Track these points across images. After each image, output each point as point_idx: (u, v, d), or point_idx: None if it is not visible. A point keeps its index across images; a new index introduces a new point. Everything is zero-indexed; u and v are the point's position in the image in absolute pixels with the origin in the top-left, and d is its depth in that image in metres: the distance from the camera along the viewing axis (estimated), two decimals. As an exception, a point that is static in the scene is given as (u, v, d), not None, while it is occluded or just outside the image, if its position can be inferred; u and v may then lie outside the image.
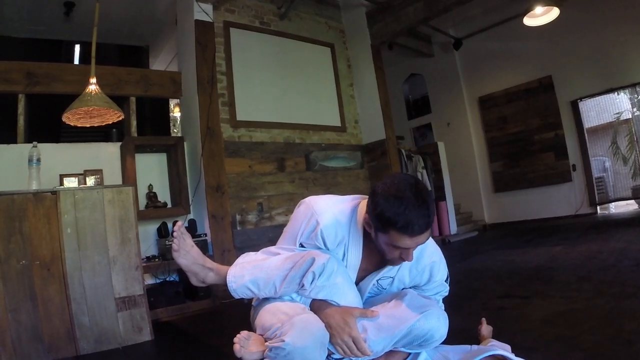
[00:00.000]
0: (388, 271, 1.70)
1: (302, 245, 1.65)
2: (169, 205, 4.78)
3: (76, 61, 6.96)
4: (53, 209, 3.17)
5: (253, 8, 5.85)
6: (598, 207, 7.36)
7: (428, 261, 1.71)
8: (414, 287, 1.79)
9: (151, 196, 4.70)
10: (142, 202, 4.61)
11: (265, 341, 1.49)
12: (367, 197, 1.58)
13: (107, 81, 4.39)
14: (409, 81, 9.66)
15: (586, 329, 2.16)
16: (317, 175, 5.95)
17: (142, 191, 4.64)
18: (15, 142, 4.35)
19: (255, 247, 4.78)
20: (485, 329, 2.09)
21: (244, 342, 1.52)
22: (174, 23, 5.75)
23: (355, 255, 1.65)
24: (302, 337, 1.41)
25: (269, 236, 5.27)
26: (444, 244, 6.77)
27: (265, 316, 1.56)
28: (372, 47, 6.60)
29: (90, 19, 3.88)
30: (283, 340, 1.39)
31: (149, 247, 4.61)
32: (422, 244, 1.51)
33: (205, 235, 4.61)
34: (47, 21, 6.20)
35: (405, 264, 1.64)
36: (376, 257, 1.66)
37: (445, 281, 1.79)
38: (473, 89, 8.52)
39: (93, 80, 3.36)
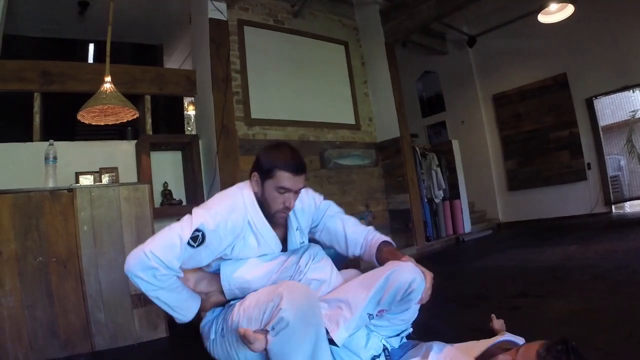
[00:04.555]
0: (293, 223, 1.97)
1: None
2: (184, 203, 4.79)
3: (90, 60, 7.02)
4: (70, 207, 3.19)
5: (267, 6, 5.85)
6: (613, 206, 7.25)
7: (305, 198, 2.02)
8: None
9: (166, 194, 4.71)
10: (157, 199, 4.63)
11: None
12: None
13: (121, 79, 4.40)
14: (422, 79, 9.58)
15: (601, 329, 2.16)
16: (331, 173, 5.94)
17: (158, 189, 4.66)
18: (31, 140, 4.38)
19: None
20: (497, 322, 2.12)
21: (253, 338, 1.52)
22: (188, 22, 5.76)
23: (267, 232, 1.86)
24: (294, 299, 1.51)
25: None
26: (457, 243, 6.73)
27: (250, 312, 1.63)
28: (386, 44, 6.56)
29: (104, 18, 3.89)
30: (280, 309, 1.48)
31: (165, 244, 4.61)
32: (298, 188, 1.82)
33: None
34: (61, 20, 6.25)
35: (298, 212, 1.99)
36: (280, 228, 1.93)
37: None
38: (487, 87, 8.44)
39: (108, 78, 3.37)
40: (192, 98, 6.16)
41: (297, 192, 1.84)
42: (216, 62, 4.97)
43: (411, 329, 1.97)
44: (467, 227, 7.23)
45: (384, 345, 1.83)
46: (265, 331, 1.54)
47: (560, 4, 5.77)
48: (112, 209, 3.34)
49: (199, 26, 5.34)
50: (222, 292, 1.80)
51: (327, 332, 1.63)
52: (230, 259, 1.85)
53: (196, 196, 4.69)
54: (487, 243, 6.52)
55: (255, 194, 1.86)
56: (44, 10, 5.93)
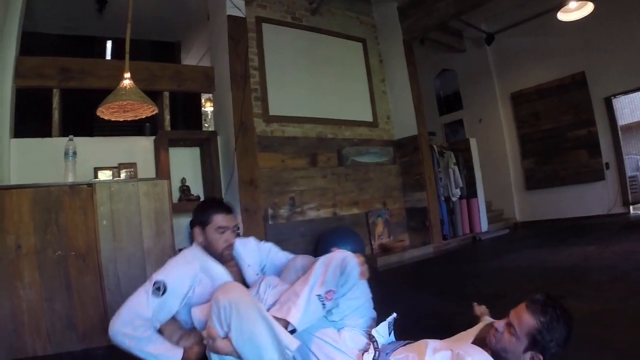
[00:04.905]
0: (244, 262, 2.26)
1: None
2: (202, 199, 4.80)
3: (108, 57, 7.07)
4: (89, 201, 3.22)
5: (284, 3, 5.84)
6: (631, 207, 7.14)
7: (246, 240, 2.39)
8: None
9: (184, 189, 4.74)
10: (175, 195, 4.64)
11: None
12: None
13: (140, 76, 4.42)
14: (440, 77, 9.52)
15: (619, 330, 2.15)
16: (349, 171, 5.92)
17: (175, 184, 4.68)
18: (50, 136, 4.43)
19: (287, 242, 4.82)
20: (479, 309, 2.20)
21: (215, 334, 1.73)
22: (206, 19, 5.79)
23: (221, 271, 2.12)
24: (224, 289, 1.77)
25: (300, 231, 5.28)
26: (474, 242, 6.68)
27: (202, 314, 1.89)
28: (404, 42, 6.52)
29: (122, 15, 3.90)
30: (219, 302, 1.70)
31: (182, 240, 4.64)
32: (233, 225, 2.18)
33: (238, 228, 4.60)
34: (79, 18, 6.31)
35: (244, 252, 2.29)
36: (235, 268, 2.23)
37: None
38: (505, 85, 8.35)
39: (127, 75, 3.37)
40: (210, 95, 6.18)
41: (234, 230, 2.20)
42: (234, 59, 4.98)
43: (395, 315, 2.01)
44: (484, 226, 7.17)
45: (372, 337, 1.88)
46: (224, 339, 1.72)
47: (580, 2, 5.68)
48: (132, 204, 3.36)
49: (217, 23, 5.36)
50: (202, 341, 1.88)
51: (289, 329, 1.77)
52: (199, 305, 2.02)
53: (214, 192, 4.71)
54: (503, 242, 6.45)
55: (201, 244, 2.17)
56: (63, 8, 6.00)
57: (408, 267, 5.31)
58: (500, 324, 1.63)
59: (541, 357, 1.53)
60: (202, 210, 2.21)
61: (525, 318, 1.56)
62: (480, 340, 1.71)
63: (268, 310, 1.83)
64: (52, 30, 6.39)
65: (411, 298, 3.52)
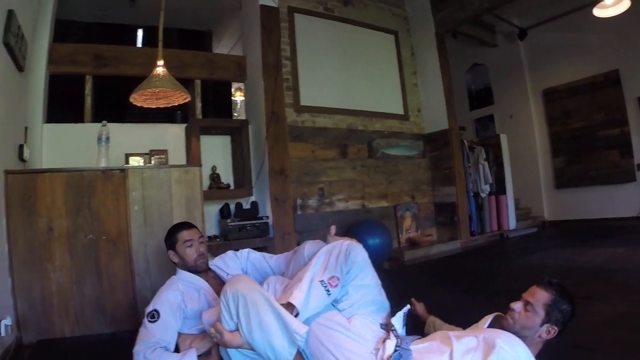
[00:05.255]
0: (224, 272, 2.40)
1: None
2: (232, 187, 4.82)
3: (139, 45, 7.10)
4: (121, 186, 3.25)
5: (317, -7, 5.81)
6: (662, 210, 6.97)
7: (224, 255, 2.52)
8: None
9: (214, 177, 4.75)
10: (205, 183, 4.65)
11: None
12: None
13: (172, 64, 4.41)
14: (471, 71, 9.39)
15: None
16: (378, 163, 5.89)
17: (206, 172, 4.68)
18: (82, 121, 4.49)
19: (315, 232, 4.81)
20: (420, 307, 2.36)
21: (221, 328, 1.79)
22: (238, 8, 5.79)
23: (198, 280, 2.32)
24: (231, 281, 1.85)
25: (328, 222, 5.24)
26: (502, 239, 6.59)
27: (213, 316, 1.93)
28: (436, 35, 6.45)
29: (153, 4, 3.92)
30: (227, 293, 1.77)
31: (211, 227, 4.68)
32: (198, 236, 2.38)
33: (267, 217, 4.62)
34: (111, 6, 6.34)
35: (223, 265, 2.43)
36: (215, 280, 2.38)
37: None
38: (537, 81, 8.19)
39: (160, 62, 3.36)
40: (239, 84, 6.19)
41: (199, 240, 2.39)
42: (267, 49, 4.97)
43: (408, 306, 2.02)
44: (512, 223, 7.06)
45: (391, 325, 1.86)
46: (235, 331, 1.77)
47: (617, -2, 5.54)
48: (163, 190, 3.39)
49: (249, 12, 5.36)
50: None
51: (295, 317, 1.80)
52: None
53: (244, 180, 4.71)
54: (531, 241, 6.38)
55: (179, 264, 2.37)
56: (96, -3, 6.05)
57: (435, 262, 5.27)
58: (516, 305, 1.75)
59: (556, 329, 1.68)
60: (169, 235, 2.44)
61: (539, 293, 1.73)
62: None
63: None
64: (84, 19, 6.44)
65: (438, 293, 3.48)
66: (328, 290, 1.84)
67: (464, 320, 2.51)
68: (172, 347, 2.07)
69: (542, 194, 8.12)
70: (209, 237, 4.36)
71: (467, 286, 3.81)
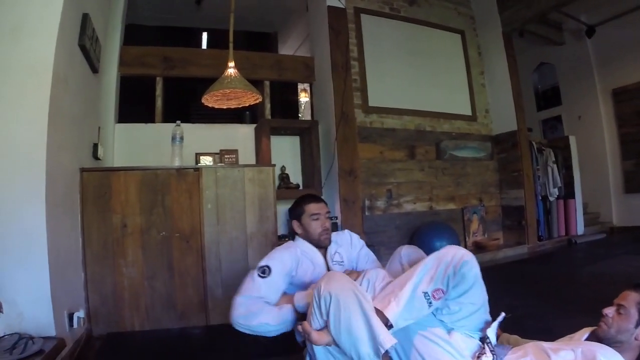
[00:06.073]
0: (335, 250, 2.41)
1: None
2: (301, 187, 4.85)
3: (204, 47, 7.27)
4: (195, 185, 3.34)
5: (383, -6, 5.78)
6: None
7: (342, 232, 2.55)
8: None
9: (284, 177, 4.80)
10: (275, 183, 4.70)
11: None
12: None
13: (242, 65, 4.47)
14: (538, 70, 9.09)
15: None
16: (446, 165, 5.81)
17: (275, 172, 4.71)
18: (152, 121, 4.64)
19: (382, 234, 4.78)
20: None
21: (309, 329, 1.78)
22: (304, 10, 5.84)
23: (315, 252, 2.35)
24: (328, 279, 1.80)
25: (395, 223, 5.23)
26: (570, 244, 6.36)
27: (310, 318, 1.84)
28: (503, 34, 6.29)
29: (218, 7, 3.98)
30: (322, 290, 1.75)
31: (280, 227, 4.69)
32: (325, 211, 2.38)
33: (336, 218, 4.62)
34: (179, 10, 6.52)
35: (337, 246, 2.42)
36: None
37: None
38: (606, 80, 7.82)
39: (231, 64, 3.41)
40: (304, 85, 6.23)
41: (326, 215, 2.39)
42: (335, 49, 4.99)
43: (503, 314, 1.91)
44: (580, 228, 6.81)
45: (487, 338, 1.81)
46: (324, 329, 1.76)
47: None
48: (237, 189, 3.46)
49: (316, 14, 5.40)
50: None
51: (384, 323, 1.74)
52: (300, 285, 2.23)
53: (313, 181, 4.74)
54: (600, 247, 6.11)
55: (301, 235, 2.40)
56: (162, 1, 6.21)
57: (501, 266, 5.14)
58: (609, 309, 1.76)
59: None
60: (295, 205, 2.45)
61: (631, 295, 1.74)
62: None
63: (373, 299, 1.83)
64: (150, 22, 6.65)
65: (507, 298, 3.38)
66: (430, 302, 1.78)
67: (537, 326, 2.44)
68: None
69: (611, 199, 7.76)
70: (279, 237, 4.39)
71: (537, 292, 3.72)
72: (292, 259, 2.21)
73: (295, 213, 2.42)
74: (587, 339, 1.76)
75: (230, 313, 2.00)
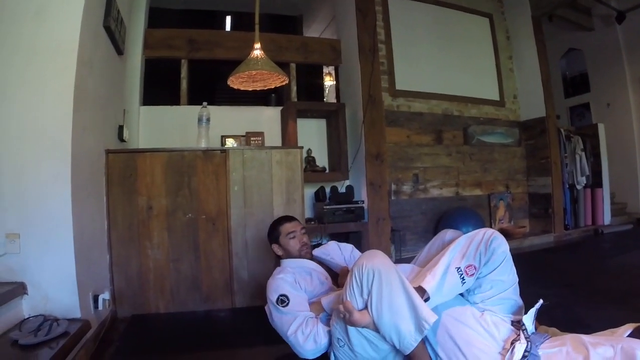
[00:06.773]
0: (327, 255, 2.54)
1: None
2: (327, 170, 4.82)
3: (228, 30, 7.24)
4: (222, 167, 3.31)
5: (411, -24, 5.67)
6: None
7: (326, 245, 2.63)
8: None
9: (310, 160, 4.77)
10: (301, 165, 4.68)
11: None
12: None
13: (268, 47, 4.43)
14: (566, 56, 8.88)
15: None
16: (474, 150, 5.74)
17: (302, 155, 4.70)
18: (177, 104, 4.63)
19: (408, 218, 4.72)
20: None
21: (351, 307, 1.73)
22: (334, -8, 5.74)
23: (306, 262, 2.40)
24: (369, 255, 1.78)
25: (422, 208, 5.19)
26: (596, 234, 6.26)
27: (349, 294, 1.80)
28: (533, 18, 6.17)
29: None
30: (364, 266, 1.72)
31: (306, 210, 4.67)
32: (300, 227, 2.46)
33: (362, 202, 4.58)
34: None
35: (324, 253, 2.54)
36: (320, 264, 2.46)
37: None
38: (636, 68, 7.63)
39: (257, 45, 3.36)
40: (329, 69, 6.17)
41: (302, 232, 2.46)
42: (362, 32, 4.91)
43: (541, 301, 1.87)
44: (607, 218, 6.71)
45: (522, 325, 1.76)
46: (364, 309, 1.73)
47: None
48: (264, 172, 3.42)
49: (343, -4, 5.30)
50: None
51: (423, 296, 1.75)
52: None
53: (340, 164, 4.71)
54: (628, 238, 6.01)
55: (283, 255, 2.45)
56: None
57: (528, 255, 5.07)
58: None
59: None
60: (271, 229, 2.52)
61: None
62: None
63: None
64: (175, 6, 6.61)
65: (535, 287, 3.30)
66: (463, 279, 1.78)
67: (567, 316, 2.39)
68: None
69: (638, 189, 7.61)
70: (306, 220, 4.38)
71: (565, 282, 3.65)
72: (289, 276, 2.25)
73: (273, 237, 2.49)
74: (629, 335, 1.66)
75: (298, 352, 2.02)
